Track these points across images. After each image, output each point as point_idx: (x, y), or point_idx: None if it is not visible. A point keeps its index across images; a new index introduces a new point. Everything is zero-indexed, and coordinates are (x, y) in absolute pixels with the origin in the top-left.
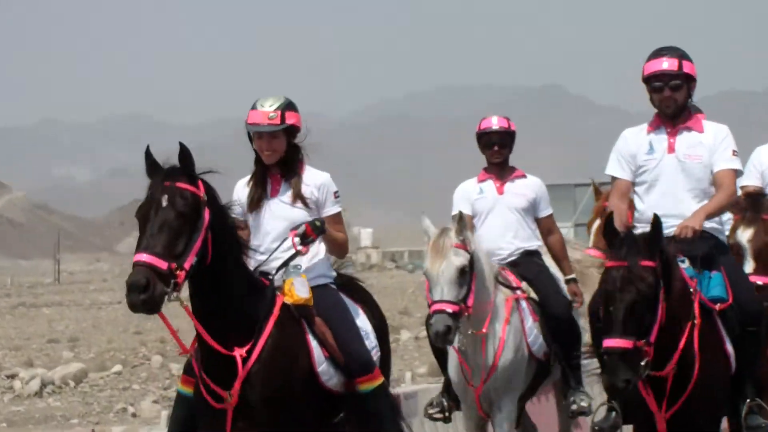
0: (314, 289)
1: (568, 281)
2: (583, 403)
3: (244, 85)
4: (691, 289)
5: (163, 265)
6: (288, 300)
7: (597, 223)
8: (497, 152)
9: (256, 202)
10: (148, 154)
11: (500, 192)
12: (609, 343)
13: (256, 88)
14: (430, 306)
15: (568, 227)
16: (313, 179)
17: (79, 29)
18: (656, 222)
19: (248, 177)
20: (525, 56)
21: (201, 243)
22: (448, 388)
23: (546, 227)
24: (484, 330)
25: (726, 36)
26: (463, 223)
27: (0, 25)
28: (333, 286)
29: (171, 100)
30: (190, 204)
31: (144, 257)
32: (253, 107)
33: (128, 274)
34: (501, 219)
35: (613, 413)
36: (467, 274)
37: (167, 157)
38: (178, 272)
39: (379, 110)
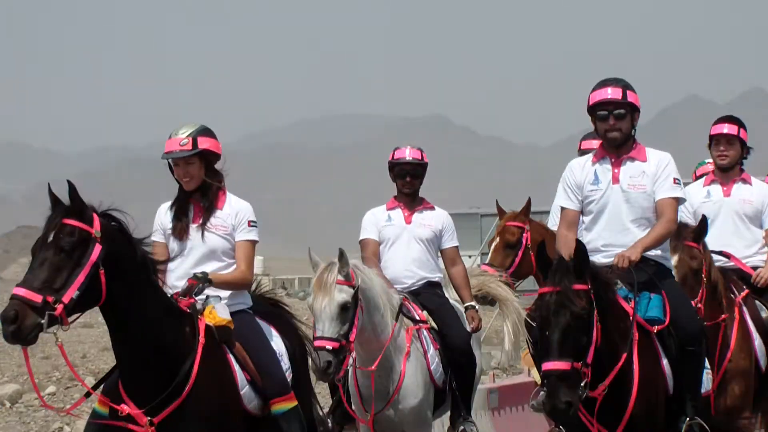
0: (232, 314)
1: (467, 308)
2: (473, 429)
3: (125, 112)
4: (628, 312)
5: (36, 298)
6: (210, 321)
7: (496, 240)
8: (409, 183)
9: (180, 231)
10: (50, 192)
11: (408, 221)
12: (547, 366)
13: (136, 115)
14: (314, 341)
15: (475, 255)
16: (234, 206)
17: None
18: (578, 246)
19: (171, 202)
20: (410, 87)
21: (85, 278)
22: (335, 411)
23: (450, 258)
24: (372, 368)
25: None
26: (345, 260)
27: None
28: (249, 311)
29: (50, 128)
30: (74, 240)
31: (18, 291)
32: (169, 136)
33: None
34: (406, 248)
35: None
36: (350, 310)
37: (48, 186)
38: (56, 305)
39: (262, 138)
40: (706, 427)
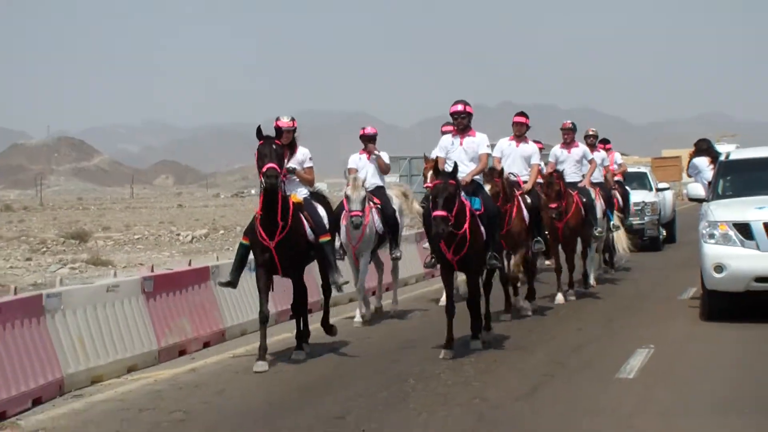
0: (303, 198)
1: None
2: (399, 254)
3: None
4: (466, 204)
5: (279, 168)
6: (294, 200)
7: (430, 173)
8: (370, 143)
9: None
10: (259, 130)
11: (368, 159)
12: (436, 213)
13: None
14: (351, 212)
15: (397, 176)
16: (302, 150)
17: None
18: (455, 165)
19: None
20: (336, 86)
21: (281, 166)
22: (341, 246)
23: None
24: (366, 221)
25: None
26: (360, 176)
27: None
28: (308, 198)
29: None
30: (282, 150)
31: (271, 164)
32: (278, 119)
33: (266, 170)
34: (370, 171)
35: (433, 259)
36: (366, 198)
37: (259, 126)
38: (282, 174)
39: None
40: (499, 256)
